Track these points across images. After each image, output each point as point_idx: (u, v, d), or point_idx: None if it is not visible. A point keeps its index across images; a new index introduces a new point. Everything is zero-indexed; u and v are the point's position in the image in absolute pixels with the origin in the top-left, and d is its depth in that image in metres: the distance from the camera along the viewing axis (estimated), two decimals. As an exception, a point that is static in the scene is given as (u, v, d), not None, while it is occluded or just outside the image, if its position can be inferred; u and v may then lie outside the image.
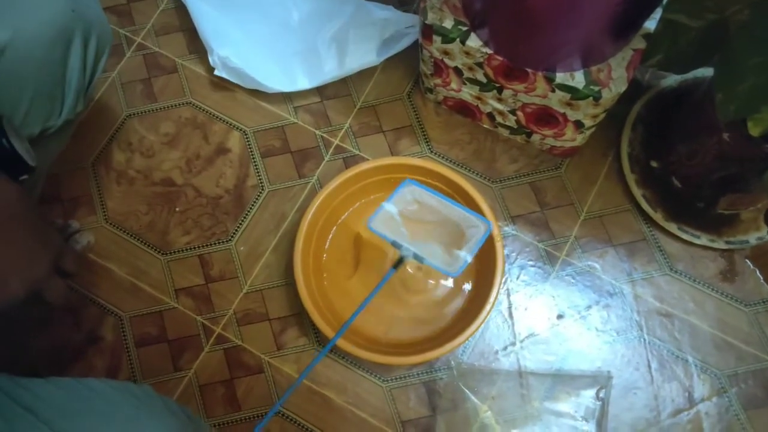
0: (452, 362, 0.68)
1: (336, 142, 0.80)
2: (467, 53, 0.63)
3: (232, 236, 0.77)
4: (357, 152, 0.79)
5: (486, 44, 0.61)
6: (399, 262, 0.61)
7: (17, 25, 0.46)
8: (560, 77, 0.60)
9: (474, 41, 0.62)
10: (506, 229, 0.75)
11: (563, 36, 0.55)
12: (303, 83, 0.77)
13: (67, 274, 0.43)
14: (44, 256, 0.40)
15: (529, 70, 0.61)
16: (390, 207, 0.60)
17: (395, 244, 0.59)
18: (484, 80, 0.67)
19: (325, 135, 0.80)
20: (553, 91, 0.62)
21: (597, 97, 0.60)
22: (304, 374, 0.60)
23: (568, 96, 0.61)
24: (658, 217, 0.72)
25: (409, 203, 0.61)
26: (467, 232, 0.60)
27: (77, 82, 0.53)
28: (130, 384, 0.50)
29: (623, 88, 0.59)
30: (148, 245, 0.77)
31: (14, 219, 0.38)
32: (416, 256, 0.59)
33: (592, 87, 0.59)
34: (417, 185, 0.60)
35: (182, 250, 0.77)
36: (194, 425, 0.51)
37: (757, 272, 0.72)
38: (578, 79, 0.60)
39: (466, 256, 0.57)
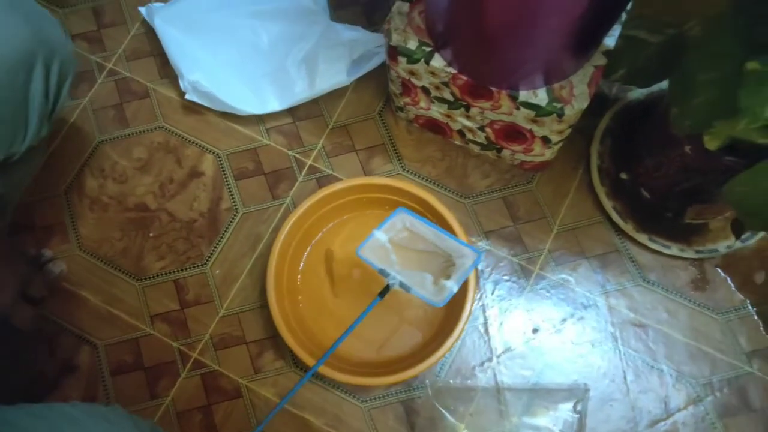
0: (427, 381, 0.68)
1: (309, 162, 0.80)
2: (432, 73, 0.64)
3: (207, 260, 0.77)
4: (330, 172, 0.79)
5: (450, 64, 0.62)
6: (385, 291, 0.60)
7: None
8: (523, 95, 0.61)
9: (438, 61, 0.62)
10: (480, 244, 0.75)
11: (523, 54, 0.56)
12: (274, 105, 0.77)
13: (35, 300, 0.43)
14: (9, 284, 0.40)
15: (494, 89, 0.61)
16: (380, 234, 0.60)
17: (382, 273, 0.59)
18: (452, 99, 0.68)
19: (298, 156, 0.80)
20: (517, 108, 0.63)
21: (560, 114, 0.60)
22: (284, 401, 0.60)
23: (532, 113, 0.62)
24: (628, 228, 0.73)
25: (400, 231, 0.61)
26: (457, 262, 0.59)
27: (40, 107, 0.53)
28: (98, 406, 0.50)
29: (585, 104, 0.60)
30: (123, 271, 0.77)
31: None
32: (402, 285, 0.58)
33: (554, 104, 0.60)
34: (409, 213, 0.60)
35: (157, 276, 0.76)
36: None
37: (728, 280, 0.72)
38: (541, 97, 0.61)
39: (452, 286, 0.56)
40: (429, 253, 0.61)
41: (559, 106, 0.60)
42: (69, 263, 0.77)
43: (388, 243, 0.60)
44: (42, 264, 0.77)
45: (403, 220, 0.61)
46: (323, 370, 0.62)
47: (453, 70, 0.62)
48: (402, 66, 0.66)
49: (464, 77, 0.62)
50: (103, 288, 0.76)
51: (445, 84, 0.65)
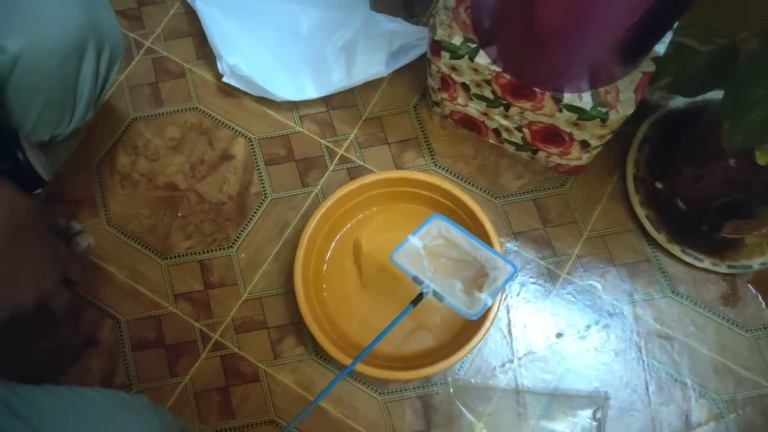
0: (449, 378, 0.68)
1: (341, 152, 0.80)
2: (475, 70, 0.63)
3: (233, 243, 0.77)
4: (361, 163, 0.79)
5: (494, 62, 0.61)
6: (418, 299, 0.58)
7: (32, 34, 0.46)
8: (568, 98, 0.60)
9: (482, 59, 0.62)
10: (508, 245, 0.74)
11: (572, 57, 0.55)
12: (311, 92, 0.77)
13: (72, 282, 0.43)
14: (54, 269, 0.41)
15: (537, 90, 0.61)
16: (415, 241, 0.58)
17: (416, 280, 0.58)
18: (492, 97, 0.67)
19: (330, 145, 0.80)
20: (560, 110, 0.62)
21: (604, 119, 0.60)
22: (319, 399, 0.55)
23: (575, 116, 0.61)
24: (661, 238, 0.72)
25: (434, 238, 0.60)
26: (490, 274, 0.58)
27: (89, 92, 0.53)
28: (124, 394, 0.50)
29: (630, 110, 0.59)
30: (149, 249, 0.77)
31: (27, 233, 0.39)
32: (436, 294, 0.57)
33: (599, 108, 0.59)
34: (445, 220, 0.59)
35: (183, 255, 0.77)
36: None
37: (759, 297, 0.71)
38: (586, 100, 0.60)
39: (487, 299, 0.55)
40: (462, 262, 0.60)
41: (603, 110, 0.59)
42: (97, 237, 0.77)
43: (422, 249, 0.59)
44: (71, 236, 0.77)
45: (438, 227, 0.59)
46: (346, 361, 0.62)
47: (497, 69, 0.61)
48: (444, 61, 0.65)
49: (508, 76, 0.61)
50: (128, 264, 0.77)
51: (487, 82, 0.64)
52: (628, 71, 0.60)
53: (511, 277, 0.56)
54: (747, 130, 0.49)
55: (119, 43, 0.57)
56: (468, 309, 0.55)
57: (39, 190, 0.40)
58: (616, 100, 0.60)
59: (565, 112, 0.62)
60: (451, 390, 0.66)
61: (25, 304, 0.39)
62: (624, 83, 0.60)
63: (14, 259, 0.38)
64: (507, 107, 0.67)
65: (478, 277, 0.59)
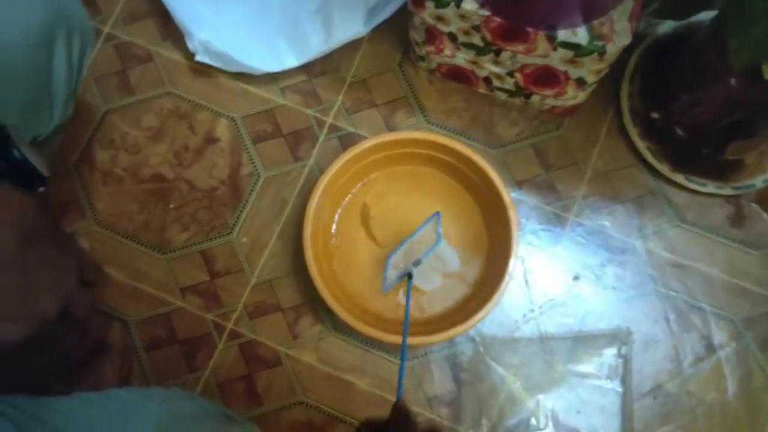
0: (476, 336, 0.67)
1: (329, 120, 0.77)
2: (463, 17, 0.61)
3: (232, 228, 0.74)
4: (352, 129, 0.76)
5: (482, 6, 0.59)
6: (410, 277, 0.65)
7: None
8: (562, 35, 0.58)
9: (470, 4, 0.59)
10: (513, 194, 0.73)
11: (566, -9, 0.53)
12: (291, 61, 0.73)
13: (89, 283, 0.41)
14: (71, 269, 0.38)
15: (530, 30, 0.58)
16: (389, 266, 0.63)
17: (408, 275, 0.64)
18: (481, 44, 0.64)
19: (317, 114, 0.77)
20: (554, 49, 0.60)
21: (602, 52, 0.58)
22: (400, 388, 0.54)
23: (570, 54, 0.59)
24: (664, 168, 0.71)
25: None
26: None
27: (64, 86, 0.49)
28: (157, 389, 0.49)
29: (627, 40, 0.58)
30: (146, 245, 0.74)
31: (37, 234, 0.36)
32: (415, 263, 0.64)
33: (596, 42, 0.58)
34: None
35: (182, 248, 0.74)
36: (234, 425, 0.49)
37: (764, 215, 0.72)
38: (581, 35, 0.58)
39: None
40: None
41: (600, 44, 0.57)
42: (89, 240, 0.74)
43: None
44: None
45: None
46: (372, 332, 0.61)
47: (486, 13, 0.59)
48: (429, 11, 0.62)
49: (498, 19, 0.59)
50: (127, 263, 0.74)
51: (476, 28, 0.62)
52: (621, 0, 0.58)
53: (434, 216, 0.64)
54: (754, 45, 0.48)
55: (88, 27, 0.53)
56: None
57: (42, 188, 0.37)
58: (612, 31, 0.58)
59: (560, 50, 0.60)
60: (480, 347, 0.66)
61: (48, 313, 0.36)
62: (617, 13, 0.58)
63: (29, 266, 0.35)
64: (497, 53, 0.65)
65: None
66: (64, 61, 0.49)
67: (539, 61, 0.63)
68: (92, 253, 0.73)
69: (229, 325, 0.72)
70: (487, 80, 0.72)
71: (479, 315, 0.61)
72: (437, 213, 0.64)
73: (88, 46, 0.53)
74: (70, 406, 0.44)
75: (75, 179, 0.76)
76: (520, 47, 0.62)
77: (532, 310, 0.70)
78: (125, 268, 0.74)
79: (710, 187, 0.71)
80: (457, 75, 0.74)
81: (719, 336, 0.69)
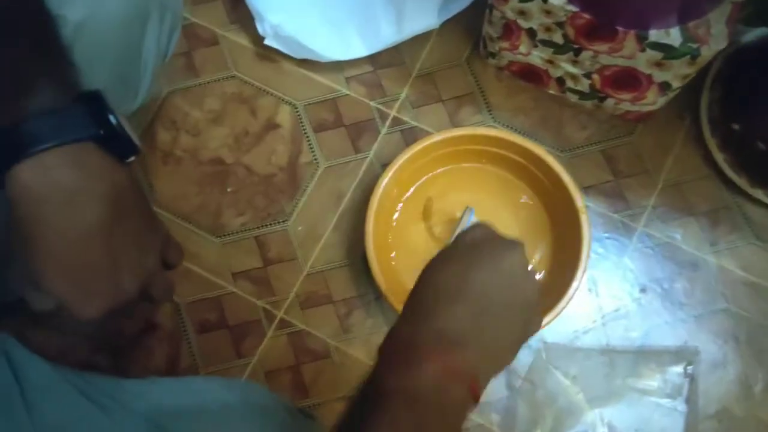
0: (536, 342, 0.65)
1: (392, 113, 0.75)
2: (548, 12, 0.59)
3: (288, 216, 0.73)
4: (415, 124, 0.75)
5: (571, 1, 0.57)
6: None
7: (93, 2, 0.41)
8: (653, 35, 0.55)
9: (557, -1, 0.57)
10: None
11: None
12: (359, 50, 0.72)
13: (170, 266, 0.39)
14: (156, 246, 0.37)
15: (620, 29, 0.56)
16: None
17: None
18: (561, 42, 0.62)
19: (380, 107, 0.76)
20: (643, 50, 0.57)
21: (695, 55, 0.55)
22: None
23: (659, 56, 0.57)
24: (742, 182, 0.68)
25: None
26: None
27: (153, 63, 0.49)
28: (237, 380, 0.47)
29: (723, 44, 0.55)
30: (201, 227, 0.74)
31: (127, 208, 0.34)
32: None
33: (689, 44, 0.55)
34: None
35: (237, 232, 0.73)
36: (299, 424, 0.47)
37: None
38: (674, 36, 0.55)
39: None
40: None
41: (695, 46, 0.55)
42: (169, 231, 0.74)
43: None
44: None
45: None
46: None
47: (574, 9, 0.57)
48: (511, 5, 0.60)
49: (586, 16, 0.57)
50: (182, 245, 0.73)
51: (559, 25, 0.60)
52: (720, 2, 0.55)
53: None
54: None
55: (180, 7, 0.52)
56: None
57: (133, 158, 0.35)
58: (707, 34, 0.55)
59: (648, 51, 0.57)
60: (543, 355, 0.63)
61: (130, 292, 0.35)
62: (714, 16, 0.55)
63: (117, 242, 0.34)
64: (577, 52, 0.63)
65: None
66: (155, 40, 0.48)
67: (622, 62, 0.61)
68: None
69: (280, 314, 0.71)
70: (560, 80, 0.70)
71: (545, 320, 0.58)
72: (470, 208, 0.64)
73: (177, 27, 0.52)
74: (151, 391, 0.43)
75: (135, 159, 0.76)
76: (604, 47, 0.59)
77: (595, 321, 0.67)
78: (179, 249, 0.73)
79: (791, 206, 0.67)
80: (528, 74, 0.72)
81: (793, 362, 0.65)
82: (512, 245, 0.37)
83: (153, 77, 0.50)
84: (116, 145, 0.34)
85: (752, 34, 0.71)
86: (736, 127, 0.69)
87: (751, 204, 0.69)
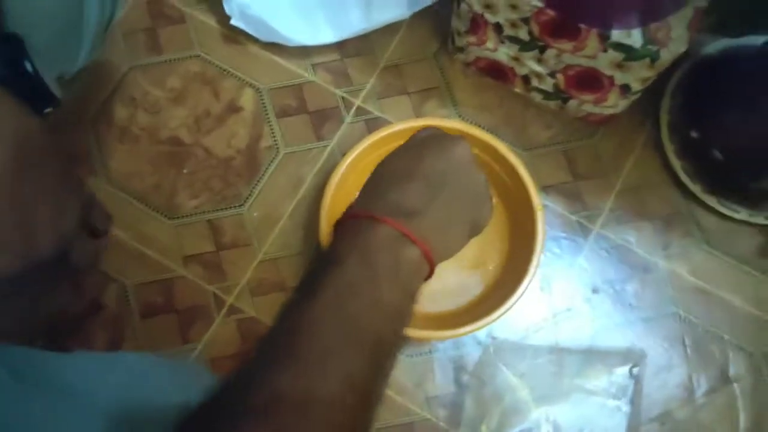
0: (485, 338, 0.65)
1: (357, 102, 0.74)
2: (513, 7, 0.59)
3: (244, 201, 0.72)
4: (380, 114, 0.74)
5: (536, -4, 0.57)
6: None
7: None
8: (616, 35, 0.56)
9: (522, -7, 0.57)
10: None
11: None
12: (327, 35, 0.71)
13: (98, 232, 0.38)
14: (74, 208, 0.35)
15: (583, 27, 0.56)
16: None
17: None
18: (527, 38, 0.62)
19: (345, 95, 0.75)
20: (605, 51, 0.58)
21: (654, 58, 0.56)
22: None
23: (621, 57, 0.57)
24: (696, 189, 0.69)
25: None
26: None
27: (95, 25, 0.47)
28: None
29: (683, 48, 0.55)
30: (154, 209, 0.72)
31: (38, 159, 0.32)
32: None
33: (649, 47, 0.55)
34: None
35: (191, 215, 0.71)
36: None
37: (796, 249, 0.69)
38: (635, 38, 0.56)
39: None
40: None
41: (654, 49, 0.55)
42: (97, 197, 0.71)
43: None
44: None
45: None
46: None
47: (539, 4, 0.57)
48: (478, -3, 0.60)
49: (550, 12, 0.57)
50: (133, 225, 0.71)
51: (525, 20, 0.60)
52: (681, 5, 0.55)
53: None
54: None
55: None
56: None
57: (49, 110, 0.33)
58: (667, 37, 0.56)
59: (610, 51, 0.57)
60: (491, 349, 0.63)
61: (44, 250, 0.33)
62: (676, 19, 0.56)
63: (25, 193, 0.32)
64: (543, 50, 0.63)
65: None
66: (98, 1, 0.46)
67: (585, 62, 0.61)
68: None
69: (230, 300, 0.69)
70: (525, 79, 0.70)
71: (493, 316, 0.58)
72: None
73: None
74: (78, 364, 0.41)
75: (90, 133, 0.73)
76: (569, 45, 0.60)
77: (546, 319, 0.67)
78: (130, 230, 0.71)
79: (743, 214, 0.69)
80: (494, 71, 0.72)
81: (737, 368, 0.66)
82: (460, 139, 0.41)
83: (97, 40, 0.48)
84: (33, 94, 0.32)
85: (716, 44, 0.72)
86: (694, 134, 0.70)
87: (703, 211, 0.70)
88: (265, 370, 0.29)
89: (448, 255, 0.39)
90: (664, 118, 0.71)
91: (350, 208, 0.38)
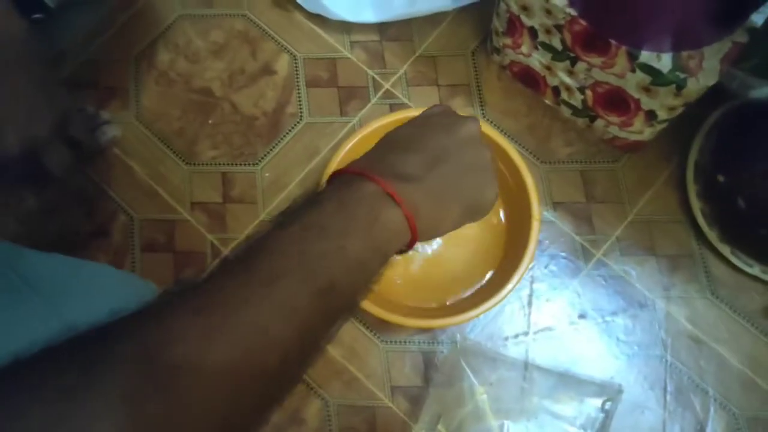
0: (458, 336, 0.64)
1: (387, 86, 0.75)
2: (548, 11, 0.58)
3: (260, 160, 0.73)
4: (406, 101, 0.74)
5: (571, 4, 0.56)
6: None
7: None
8: (645, 56, 0.54)
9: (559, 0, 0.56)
10: (545, 213, 0.70)
11: (660, 7, 0.49)
12: (368, 15, 0.72)
13: (74, 142, 0.39)
14: (47, 113, 0.37)
15: (613, 42, 0.55)
16: None
17: None
18: (560, 47, 0.61)
19: (376, 76, 0.75)
20: (633, 71, 0.56)
21: (681, 86, 0.54)
22: None
23: (648, 79, 0.56)
24: (712, 235, 0.66)
25: None
26: None
27: None
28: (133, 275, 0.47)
29: (713, 81, 0.53)
30: (174, 151, 0.74)
31: (16, 60, 0.34)
32: None
33: (677, 73, 0.53)
34: None
35: (207, 164, 0.74)
36: None
37: (807, 318, 0.65)
38: (664, 62, 0.54)
39: None
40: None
41: (682, 76, 0.53)
42: (124, 130, 0.75)
43: None
44: (97, 125, 0.75)
45: None
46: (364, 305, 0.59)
47: (573, 12, 0.56)
48: (516, -2, 0.60)
49: (583, 23, 0.56)
50: (151, 163, 0.74)
51: (558, 28, 0.59)
52: (719, 38, 0.53)
53: None
54: None
55: None
56: None
57: (39, 15, 0.35)
58: (699, 67, 0.53)
59: (638, 72, 0.56)
60: (459, 348, 0.62)
61: (9, 147, 0.34)
62: (710, 50, 0.54)
63: None
64: (574, 62, 0.62)
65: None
66: None
67: (614, 80, 0.59)
68: (121, 143, 0.74)
69: (226, 251, 0.71)
70: (556, 90, 0.69)
71: (467, 315, 0.57)
72: None
73: None
74: (45, 262, 0.43)
75: (131, 70, 0.77)
76: (598, 60, 0.58)
77: (526, 333, 0.66)
78: (148, 167, 0.74)
79: (756, 269, 0.65)
80: (527, 78, 0.71)
81: (716, 426, 0.63)
82: (471, 118, 0.40)
83: None
84: None
85: (761, 92, 0.69)
86: (721, 178, 0.67)
87: (715, 258, 0.67)
88: (212, 275, 0.29)
89: (437, 230, 0.37)
90: (693, 156, 0.68)
91: (347, 165, 0.38)
